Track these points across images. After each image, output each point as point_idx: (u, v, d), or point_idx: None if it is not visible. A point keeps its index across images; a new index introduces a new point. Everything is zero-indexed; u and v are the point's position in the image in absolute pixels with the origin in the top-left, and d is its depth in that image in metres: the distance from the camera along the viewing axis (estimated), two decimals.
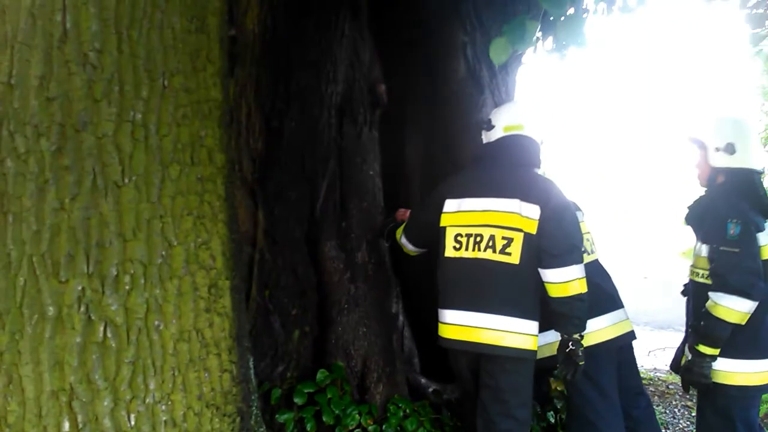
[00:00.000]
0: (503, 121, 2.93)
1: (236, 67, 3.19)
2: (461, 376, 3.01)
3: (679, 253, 13.70)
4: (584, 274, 2.74)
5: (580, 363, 2.74)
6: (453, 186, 2.96)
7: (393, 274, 3.63)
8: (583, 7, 4.55)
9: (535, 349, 2.79)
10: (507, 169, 2.86)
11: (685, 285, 3.15)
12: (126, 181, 1.88)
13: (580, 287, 2.72)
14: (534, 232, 2.72)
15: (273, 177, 3.30)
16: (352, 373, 3.30)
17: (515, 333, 2.74)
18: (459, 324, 2.80)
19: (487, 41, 4.25)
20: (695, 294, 2.96)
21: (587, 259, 3.04)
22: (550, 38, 5.17)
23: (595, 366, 2.95)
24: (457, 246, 2.83)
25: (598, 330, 2.99)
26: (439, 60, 4.19)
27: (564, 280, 2.70)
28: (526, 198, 2.75)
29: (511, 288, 2.76)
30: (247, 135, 3.28)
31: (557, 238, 2.72)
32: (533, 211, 2.72)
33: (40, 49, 1.80)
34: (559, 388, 3.67)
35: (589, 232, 3.19)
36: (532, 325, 2.78)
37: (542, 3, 3.08)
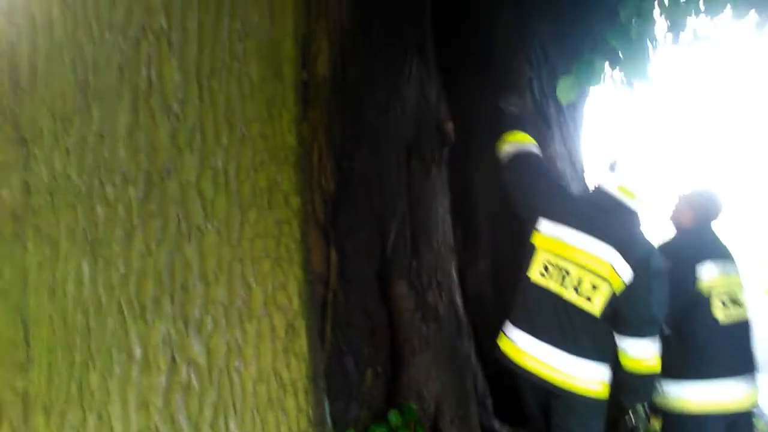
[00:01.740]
0: (623, 179, 2.82)
1: (308, 109, 3.27)
2: (526, 403, 2.98)
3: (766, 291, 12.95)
4: (658, 350, 2.69)
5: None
6: (553, 206, 2.91)
7: (464, 313, 3.60)
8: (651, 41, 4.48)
9: (606, 394, 2.76)
10: (610, 214, 2.80)
11: None
12: (208, 225, 1.94)
13: (653, 364, 2.69)
14: (618, 291, 2.67)
15: (344, 217, 3.34)
16: (425, 414, 3.27)
17: (588, 380, 2.72)
18: (531, 354, 2.77)
19: (553, 76, 4.26)
20: None
21: (733, 316, 2.91)
22: (618, 70, 5.12)
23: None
24: (544, 273, 2.80)
25: (732, 400, 2.86)
26: (505, 96, 4.19)
27: (638, 354, 2.68)
28: (624, 254, 2.67)
29: (588, 334, 2.73)
30: (319, 176, 3.34)
31: (640, 308, 2.67)
32: (626, 272, 2.65)
33: (128, 101, 1.89)
34: (657, 427, 3.52)
35: (735, 285, 3.01)
36: (606, 371, 2.75)
37: (609, 38, 3.07)
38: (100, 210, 1.88)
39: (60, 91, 1.87)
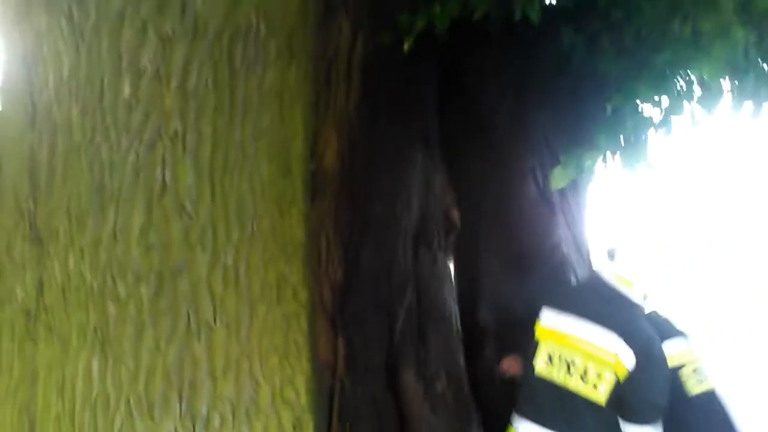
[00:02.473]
0: (620, 268, 2.84)
1: (316, 200, 3.33)
2: None
3: None
4: None
5: None
6: (554, 296, 2.94)
7: (473, 401, 3.56)
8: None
9: None
10: (610, 302, 2.80)
11: None
12: (217, 322, 1.97)
13: None
14: (622, 380, 2.66)
15: (352, 305, 3.35)
16: None
17: None
18: None
19: (555, 163, 4.33)
20: None
21: (699, 388, 2.90)
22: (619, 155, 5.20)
23: None
24: (549, 363, 2.79)
25: None
26: (509, 183, 4.26)
27: None
28: (628, 341, 2.66)
29: (595, 422, 2.70)
30: (326, 265, 3.38)
31: (644, 395, 2.65)
32: (629, 359, 2.64)
33: (142, 201, 1.95)
34: None
35: (697, 361, 2.94)
36: None
37: (598, 138, 3.19)
38: (111, 307, 1.91)
39: (76, 192, 1.94)
